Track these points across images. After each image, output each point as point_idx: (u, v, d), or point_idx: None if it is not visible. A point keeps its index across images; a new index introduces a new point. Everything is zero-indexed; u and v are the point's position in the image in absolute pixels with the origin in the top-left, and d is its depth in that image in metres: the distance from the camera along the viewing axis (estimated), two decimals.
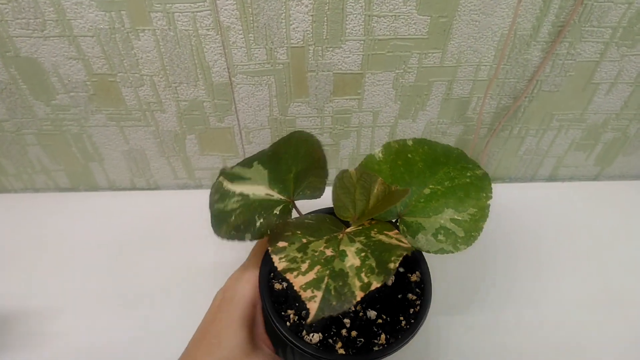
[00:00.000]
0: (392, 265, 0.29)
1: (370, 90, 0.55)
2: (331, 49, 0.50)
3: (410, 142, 0.41)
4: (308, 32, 0.49)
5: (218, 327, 0.36)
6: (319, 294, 0.28)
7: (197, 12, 0.47)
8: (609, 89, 0.56)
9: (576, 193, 0.65)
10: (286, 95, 0.55)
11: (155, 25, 0.48)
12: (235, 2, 0.46)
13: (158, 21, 0.47)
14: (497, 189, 0.65)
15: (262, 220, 0.37)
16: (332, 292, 0.28)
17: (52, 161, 0.62)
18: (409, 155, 0.41)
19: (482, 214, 0.38)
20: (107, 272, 0.55)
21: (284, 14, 0.47)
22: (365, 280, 0.29)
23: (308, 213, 0.40)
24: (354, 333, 0.38)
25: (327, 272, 0.29)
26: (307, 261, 0.30)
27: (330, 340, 0.37)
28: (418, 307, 0.39)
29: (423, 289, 0.40)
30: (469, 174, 0.40)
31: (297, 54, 0.51)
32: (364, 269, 0.30)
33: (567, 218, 0.61)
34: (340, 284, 0.29)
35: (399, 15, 0.48)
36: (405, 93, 0.56)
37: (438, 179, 0.41)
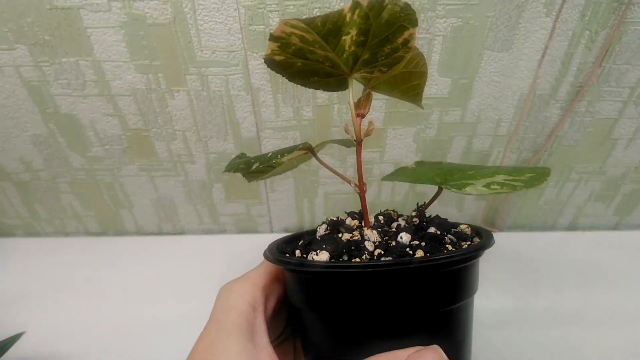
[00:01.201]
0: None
1: (391, 143, 0.57)
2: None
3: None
4: (333, 93, 0.51)
5: (205, 345, 0.29)
6: None
7: (229, 75, 0.49)
8: (628, 144, 0.57)
9: (596, 242, 0.65)
10: None
11: (189, 86, 0.50)
12: (265, 67, 0.48)
13: (192, 83, 0.50)
14: (518, 237, 0.66)
15: (279, 155, 0.32)
16: None
17: (84, 208, 0.65)
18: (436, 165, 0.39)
19: (544, 173, 0.30)
20: (133, 314, 0.57)
21: None
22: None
23: None
24: (378, 251, 0.29)
25: None
26: None
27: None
28: (475, 241, 0.31)
29: (478, 233, 0.32)
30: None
31: (322, 111, 0.53)
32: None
33: (587, 267, 0.61)
34: None
35: None
36: (426, 147, 0.57)
37: (484, 168, 0.35)
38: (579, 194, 0.64)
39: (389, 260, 0.27)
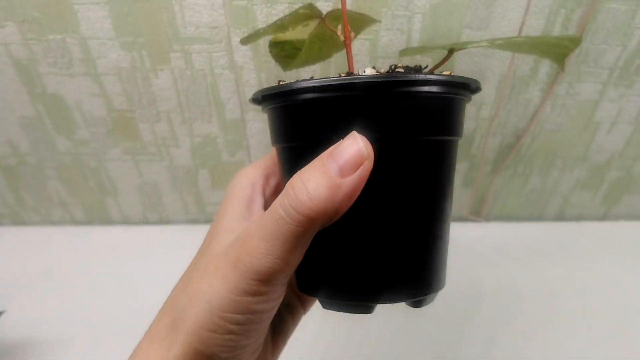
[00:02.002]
0: None
1: None
2: None
3: None
4: (317, 72, 0.52)
5: (217, 216, 0.32)
6: None
7: (213, 52, 0.50)
8: (610, 128, 0.58)
9: (583, 233, 0.65)
10: None
11: (173, 64, 0.51)
12: (249, 44, 0.49)
13: (176, 61, 0.51)
14: (504, 228, 0.66)
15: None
16: None
17: (69, 195, 0.65)
18: None
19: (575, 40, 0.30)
20: (118, 304, 0.56)
21: None
22: None
23: None
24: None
25: None
26: None
27: None
28: None
29: None
30: None
31: None
32: None
33: (574, 258, 0.61)
34: None
35: (403, 57, 0.51)
36: None
37: None
38: (564, 182, 0.64)
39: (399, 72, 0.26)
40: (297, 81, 0.25)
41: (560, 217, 0.68)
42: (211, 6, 0.47)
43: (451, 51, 0.31)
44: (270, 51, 0.36)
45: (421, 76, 0.24)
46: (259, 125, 0.57)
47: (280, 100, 0.27)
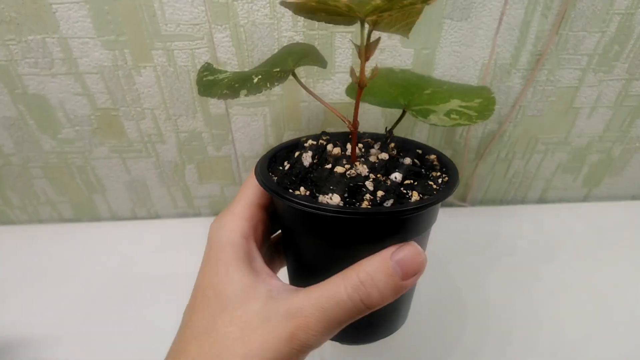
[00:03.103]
0: None
1: (360, 118, 0.57)
2: (322, 80, 0.53)
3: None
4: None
5: (209, 277, 0.32)
6: None
7: (195, 49, 0.50)
8: (590, 113, 0.59)
9: (566, 214, 0.66)
10: (280, 124, 0.58)
11: (156, 62, 0.51)
12: (230, 40, 0.49)
13: (159, 58, 0.50)
14: (488, 212, 0.67)
15: (260, 76, 0.33)
16: None
17: (57, 193, 0.65)
18: (398, 75, 0.43)
19: (490, 100, 0.36)
20: (108, 301, 0.57)
21: (277, 50, 0.50)
22: None
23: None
24: (380, 192, 0.32)
25: None
26: None
27: (354, 200, 0.32)
28: (446, 178, 0.36)
29: (446, 165, 0.37)
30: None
31: (290, 86, 0.54)
32: None
33: (557, 239, 0.62)
34: None
35: (384, 49, 0.51)
36: (394, 120, 0.58)
37: (435, 84, 0.41)
38: (546, 166, 0.65)
39: (393, 207, 0.31)
40: (326, 205, 0.30)
41: (542, 200, 0.70)
42: (191, 3, 0.47)
43: (404, 112, 0.38)
44: (218, 90, 0.35)
45: (432, 200, 0.31)
46: (243, 119, 0.57)
47: (309, 208, 0.30)
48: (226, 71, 0.37)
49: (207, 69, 0.37)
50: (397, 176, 0.35)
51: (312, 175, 0.35)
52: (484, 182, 0.67)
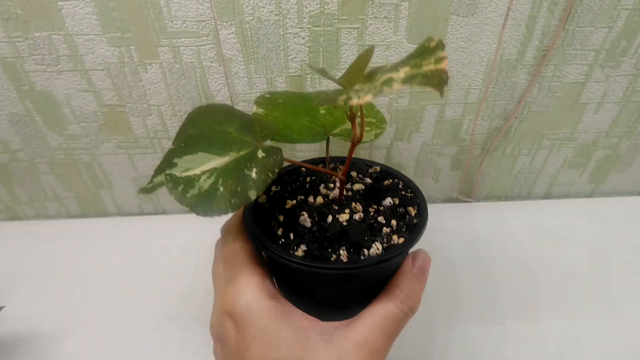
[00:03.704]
0: None
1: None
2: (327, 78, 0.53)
3: (268, 95, 0.43)
4: (305, 61, 0.52)
5: (262, 354, 0.32)
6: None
7: (201, 45, 0.50)
8: (597, 109, 0.59)
9: (571, 210, 0.66)
10: None
11: (162, 58, 0.51)
12: (236, 36, 0.49)
13: (165, 55, 0.51)
14: (494, 207, 0.67)
15: (255, 169, 0.32)
16: None
17: (63, 189, 0.65)
18: (280, 101, 0.43)
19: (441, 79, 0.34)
20: (115, 296, 0.57)
21: (282, 46, 0.50)
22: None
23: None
24: (378, 245, 0.36)
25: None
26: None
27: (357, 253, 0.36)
28: (415, 220, 0.38)
29: (419, 209, 0.39)
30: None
31: (295, 82, 0.54)
32: None
33: (562, 235, 0.62)
34: None
35: (390, 45, 0.51)
36: (399, 116, 0.58)
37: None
38: (552, 162, 0.65)
39: (367, 259, 0.34)
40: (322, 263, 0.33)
41: (548, 196, 0.70)
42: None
43: (328, 140, 0.42)
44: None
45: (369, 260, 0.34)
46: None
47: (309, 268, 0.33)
48: (199, 175, 0.33)
49: (170, 179, 0.33)
50: (385, 224, 0.38)
51: (315, 234, 0.37)
52: (489, 178, 0.67)
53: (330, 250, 0.35)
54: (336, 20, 0.49)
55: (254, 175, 0.32)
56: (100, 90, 0.54)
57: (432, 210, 0.63)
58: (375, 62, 0.52)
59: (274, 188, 0.42)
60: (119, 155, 0.61)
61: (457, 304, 0.54)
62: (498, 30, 0.51)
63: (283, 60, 0.52)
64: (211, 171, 0.32)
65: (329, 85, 0.54)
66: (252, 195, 0.31)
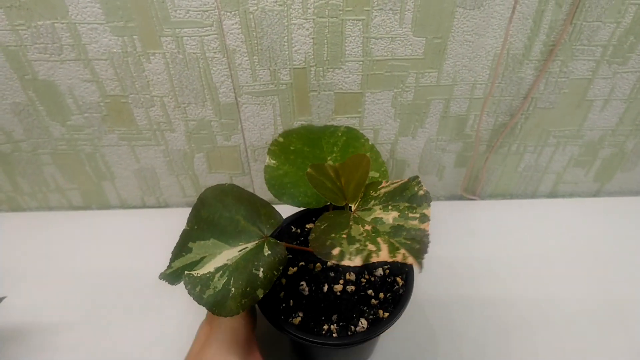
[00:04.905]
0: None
1: (370, 108, 0.57)
2: (332, 69, 0.53)
3: (281, 139, 0.45)
4: (309, 53, 0.51)
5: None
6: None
7: (204, 36, 0.50)
8: (604, 106, 0.58)
9: (577, 209, 0.66)
10: (290, 114, 0.57)
11: (165, 48, 0.51)
12: (240, 27, 0.49)
13: (168, 45, 0.50)
14: (499, 205, 0.67)
15: (262, 268, 0.36)
16: None
17: (66, 180, 0.65)
18: (292, 148, 0.45)
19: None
20: (117, 288, 0.57)
21: (286, 37, 0.50)
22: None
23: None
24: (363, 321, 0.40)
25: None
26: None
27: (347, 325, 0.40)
28: (402, 291, 0.41)
29: (406, 280, 0.42)
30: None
31: (299, 74, 0.53)
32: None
33: (568, 234, 0.62)
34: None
35: (396, 37, 0.50)
36: (404, 111, 0.58)
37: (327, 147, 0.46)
38: (558, 160, 0.64)
39: (354, 336, 0.38)
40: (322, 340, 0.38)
41: (553, 195, 0.69)
42: None
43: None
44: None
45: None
46: (253, 108, 0.56)
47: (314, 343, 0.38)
48: (212, 272, 0.37)
49: (189, 281, 0.38)
50: (372, 292, 0.42)
51: (312, 301, 0.41)
52: (494, 176, 0.66)
53: (323, 318, 0.39)
54: (341, 12, 0.48)
55: (261, 274, 0.36)
56: (103, 80, 0.53)
57: (436, 207, 0.63)
58: (380, 55, 0.52)
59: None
60: (121, 147, 0.61)
61: (458, 302, 0.54)
62: (505, 24, 0.50)
63: (287, 52, 0.51)
64: (224, 269, 0.37)
65: (333, 79, 0.54)
66: (260, 294, 0.35)
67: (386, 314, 0.40)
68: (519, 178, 0.67)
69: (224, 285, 0.36)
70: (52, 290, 0.57)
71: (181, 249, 0.40)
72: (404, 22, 0.49)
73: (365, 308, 0.40)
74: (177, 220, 0.67)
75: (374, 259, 0.30)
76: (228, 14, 0.48)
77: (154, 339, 0.52)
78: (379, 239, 0.31)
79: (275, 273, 0.36)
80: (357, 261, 0.30)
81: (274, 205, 0.43)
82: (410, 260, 0.29)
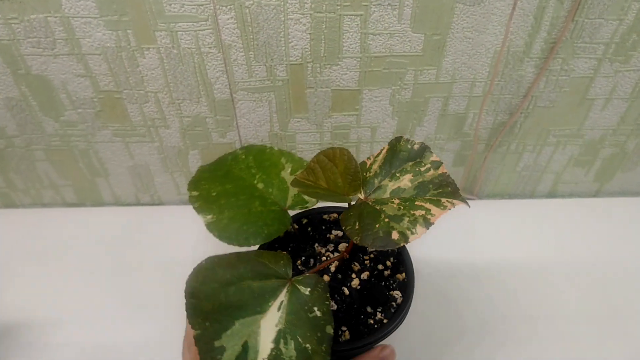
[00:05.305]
0: None
1: (367, 106, 0.56)
2: (329, 66, 0.52)
3: (195, 192, 0.42)
4: (306, 49, 0.50)
5: None
6: None
7: (199, 30, 0.49)
8: (605, 105, 0.57)
9: (576, 210, 0.65)
10: (286, 111, 0.56)
11: (159, 43, 0.50)
12: (236, 21, 0.48)
13: (162, 39, 0.49)
14: (497, 205, 0.66)
15: (315, 307, 0.33)
16: None
17: (60, 176, 0.64)
18: (213, 194, 0.42)
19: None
20: (110, 285, 0.56)
21: (282, 33, 0.49)
22: None
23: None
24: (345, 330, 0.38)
25: None
26: None
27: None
28: (400, 299, 0.40)
29: (406, 285, 0.41)
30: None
31: (296, 71, 0.52)
32: None
33: (566, 235, 0.61)
34: None
35: (394, 33, 0.50)
36: (402, 109, 0.57)
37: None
38: (557, 159, 0.63)
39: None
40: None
41: (552, 195, 0.68)
42: None
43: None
44: None
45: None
46: (248, 104, 0.56)
47: None
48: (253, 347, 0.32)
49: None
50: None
51: None
52: (493, 175, 0.65)
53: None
54: (339, 7, 0.47)
55: (318, 313, 0.33)
56: (97, 75, 0.53)
57: None
58: (378, 52, 0.51)
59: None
60: (115, 143, 0.60)
61: (455, 302, 0.53)
62: (505, 20, 0.49)
63: (284, 48, 0.50)
64: (281, 336, 0.32)
65: (330, 76, 0.53)
66: (330, 330, 0.32)
67: (385, 320, 0.39)
68: (518, 178, 0.66)
69: (296, 348, 0.31)
70: (45, 287, 0.56)
71: (213, 354, 0.32)
72: (402, 18, 0.49)
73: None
74: (171, 218, 0.66)
75: (433, 219, 0.30)
76: (223, 8, 0.47)
77: (147, 337, 0.51)
78: (417, 203, 0.31)
79: (328, 303, 0.33)
80: (421, 231, 0.30)
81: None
82: (457, 202, 0.31)
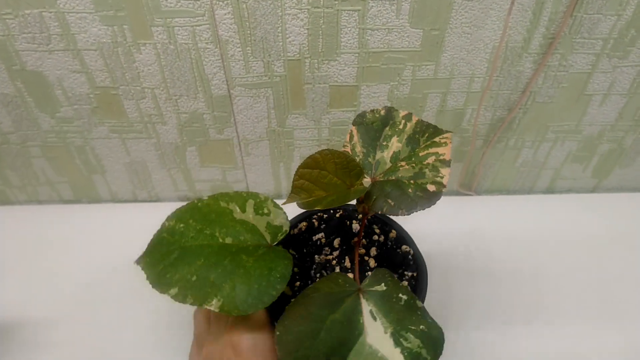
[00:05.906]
0: None
1: (366, 102, 0.56)
2: (327, 61, 0.52)
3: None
4: (304, 45, 0.50)
5: None
6: None
7: (196, 26, 0.48)
8: (603, 100, 0.57)
9: (574, 205, 0.65)
10: (284, 107, 0.56)
11: (156, 39, 0.49)
12: (233, 17, 0.48)
13: (159, 35, 0.49)
14: (495, 201, 0.66)
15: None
16: None
17: (56, 173, 0.64)
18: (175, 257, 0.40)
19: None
20: (106, 284, 0.56)
21: (280, 28, 0.49)
22: None
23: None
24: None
25: None
26: None
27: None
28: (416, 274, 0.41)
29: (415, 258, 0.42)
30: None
31: (293, 66, 0.52)
32: None
33: (565, 230, 0.61)
34: None
35: (392, 29, 0.49)
36: (401, 105, 0.57)
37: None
38: (555, 155, 0.63)
39: None
40: None
41: (550, 190, 0.68)
42: None
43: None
44: None
45: None
46: (246, 100, 0.55)
47: None
48: None
49: None
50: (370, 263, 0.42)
51: None
52: (491, 171, 0.65)
53: None
54: (336, 2, 0.47)
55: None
56: (93, 71, 0.52)
57: None
58: (376, 47, 0.51)
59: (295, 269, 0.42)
60: (112, 140, 0.59)
61: (453, 298, 0.53)
62: (504, 15, 0.49)
63: (281, 43, 0.50)
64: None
65: (328, 71, 0.53)
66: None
67: None
68: (516, 173, 0.66)
69: (416, 336, 0.31)
70: (41, 284, 0.56)
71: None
72: (400, 13, 0.48)
73: None
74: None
75: (446, 156, 0.33)
76: (220, 3, 0.47)
77: (143, 335, 0.51)
78: (421, 154, 0.34)
79: (401, 285, 0.34)
80: (446, 171, 0.32)
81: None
82: (448, 135, 0.34)
